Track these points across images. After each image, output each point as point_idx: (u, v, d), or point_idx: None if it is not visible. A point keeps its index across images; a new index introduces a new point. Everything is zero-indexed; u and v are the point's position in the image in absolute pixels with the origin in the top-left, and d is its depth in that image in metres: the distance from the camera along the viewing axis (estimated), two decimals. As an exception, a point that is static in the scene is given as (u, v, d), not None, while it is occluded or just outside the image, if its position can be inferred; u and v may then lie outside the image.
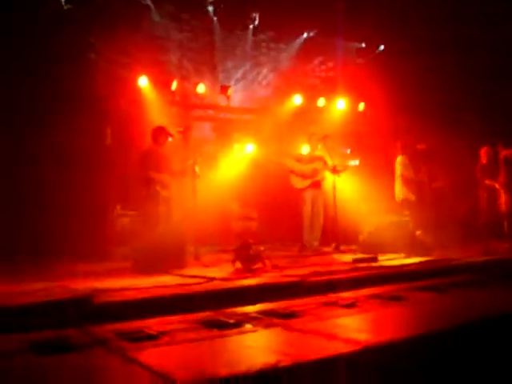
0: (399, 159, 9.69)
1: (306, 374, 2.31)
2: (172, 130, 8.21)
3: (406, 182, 9.57)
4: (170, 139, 8.16)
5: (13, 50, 8.79)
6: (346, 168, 9.10)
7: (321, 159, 9.24)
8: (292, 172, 9.09)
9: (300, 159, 9.21)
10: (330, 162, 9.16)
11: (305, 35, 12.92)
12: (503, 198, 9.82)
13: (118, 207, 9.53)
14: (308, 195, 9.05)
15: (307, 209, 9.03)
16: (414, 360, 2.74)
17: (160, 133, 7.99)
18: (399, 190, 9.64)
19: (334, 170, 8.99)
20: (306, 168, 9.07)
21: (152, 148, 7.96)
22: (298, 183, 9.06)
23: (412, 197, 9.58)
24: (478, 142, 10.23)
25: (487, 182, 9.96)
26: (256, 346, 2.72)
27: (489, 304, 3.94)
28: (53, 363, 2.52)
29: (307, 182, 9.04)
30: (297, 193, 9.12)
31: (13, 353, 2.67)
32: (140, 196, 8.04)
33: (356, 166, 10.58)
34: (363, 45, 13.53)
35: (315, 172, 9.07)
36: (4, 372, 2.39)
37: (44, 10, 9.37)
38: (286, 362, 2.32)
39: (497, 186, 9.88)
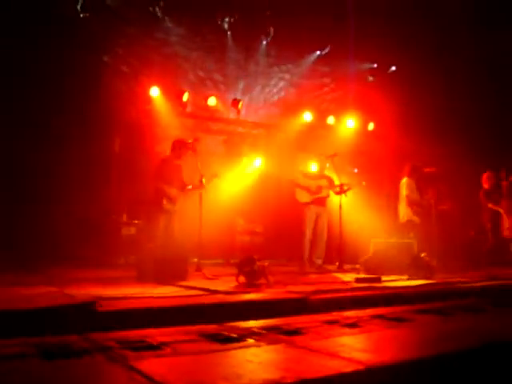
0: (405, 181, 9.69)
1: (309, 392, 2.29)
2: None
3: (411, 203, 9.55)
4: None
5: (26, 59, 8.87)
6: (350, 188, 9.05)
7: (327, 178, 9.25)
8: (297, 186, 9.08)
9: (307, 175, 9.21)
10: (336, 182, 9.16)
11: (317, 53, 13.00)
12: (507, 223, 9.80)
13: (125, 216, 9.55)
14: (311, 212, 9.03)
15: (309, 226, 9.01)
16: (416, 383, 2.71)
17: (181, 145, 8.06)
18: (404, 212, 9.63)
19: (341, 190, 9.00)
20: (312, 183, 9.06)
21: (168, 159, 8.08)
22: (302, 197, 9.03)
23: (416, 219, 9.56)
24: (486, 167, 10.24)
25: (490, 206, 9.97)
26: (259, 361, 2.70)
27: (493, 330, 3.91)
28: (54, 368, 2.51)
29: (311, 198, 9.02)
30: (300, 208, 9.10)
31: (13, 357, 2.65)
32: (146, 206, 8.06)
33: (362, 187, 10.50)
34: (375, 65, 13.60)
35: (320, 189, 9.06)
36: (5, 375, 2.38)
37: (57, 19, 9.44)
38: (289, 378, 2.30)
39: (500, 210, 9.88)
